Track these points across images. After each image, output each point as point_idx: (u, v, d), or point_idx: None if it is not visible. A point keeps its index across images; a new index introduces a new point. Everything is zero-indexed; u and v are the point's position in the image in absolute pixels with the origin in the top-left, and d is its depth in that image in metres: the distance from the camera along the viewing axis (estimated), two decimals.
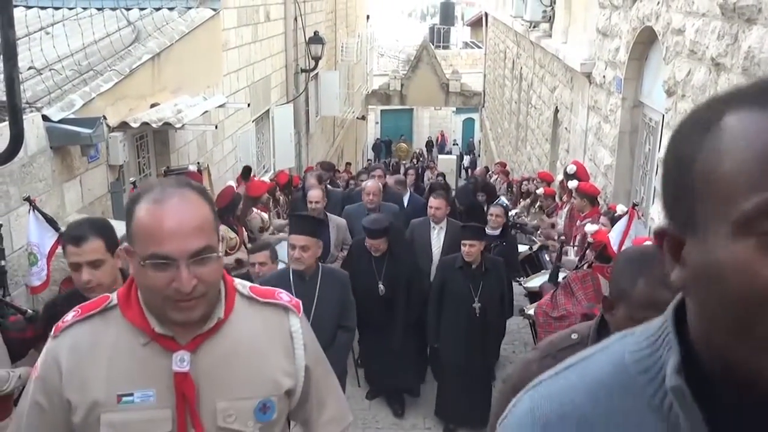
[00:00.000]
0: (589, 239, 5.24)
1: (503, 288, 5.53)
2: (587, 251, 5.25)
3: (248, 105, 10.26)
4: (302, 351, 1.75)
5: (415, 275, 5.66)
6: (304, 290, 4.07)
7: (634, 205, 5.17)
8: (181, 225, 1.50)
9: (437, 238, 6.26)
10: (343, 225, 6.32)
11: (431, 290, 5.58)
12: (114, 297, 1.68)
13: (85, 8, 8.57)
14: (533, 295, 6.60)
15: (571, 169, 7.73)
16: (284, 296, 1.80)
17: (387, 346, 5.54)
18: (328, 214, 6.16)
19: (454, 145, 36.36)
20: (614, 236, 4.92)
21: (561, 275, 6.48)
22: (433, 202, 6.29)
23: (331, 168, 11.91)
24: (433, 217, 6.25)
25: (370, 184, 6.82)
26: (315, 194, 6.50)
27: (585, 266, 4.97)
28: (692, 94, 5.27)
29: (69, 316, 1.70)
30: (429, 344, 5.75)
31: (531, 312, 5.47)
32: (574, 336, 1.85)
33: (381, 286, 5.48)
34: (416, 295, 5.58)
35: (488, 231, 6.42)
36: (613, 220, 5.59)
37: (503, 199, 10.13)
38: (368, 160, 29.07)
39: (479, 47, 33.50)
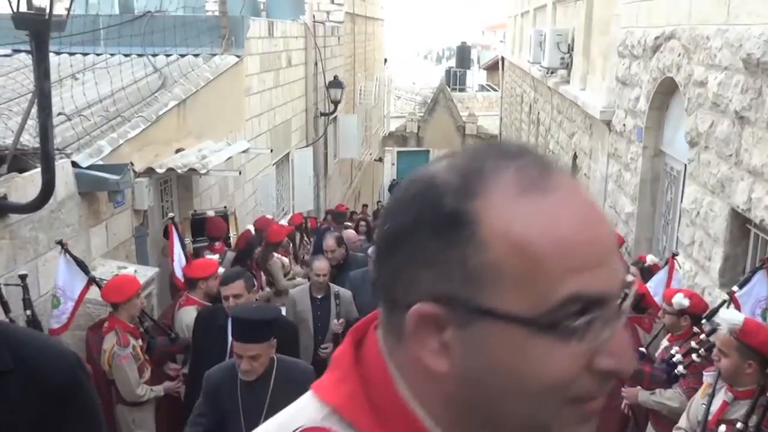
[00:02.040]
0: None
1: None
2: (622, 302, 5.09)
3: (271, 151, 10.38)
4: None
5: None
6: (253, 396, 3.41)
7: (674, 255, 5.12)
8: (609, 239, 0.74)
9: None
10: (348, 298, 5.73)
11: None
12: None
13: (112, 54, 8.80)
14: None
15: None
16: None
17: None
18: (331, 285, 5.73)
19: None
20: (654, 286, 4.89)
21: None
22: None
23: (342, 217, 11.72)
24: None
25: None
26: (321, 267, 5.67)
27: None
28: (716, 145, 5.28)
29: None
30: None
31: None
32: None
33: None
34: None
35: None
36: (643, 270, 5.56)
37: None
38: (377, 201, 29.17)
39: (495, 90, 33.79)
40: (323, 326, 5.56)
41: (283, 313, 5.58)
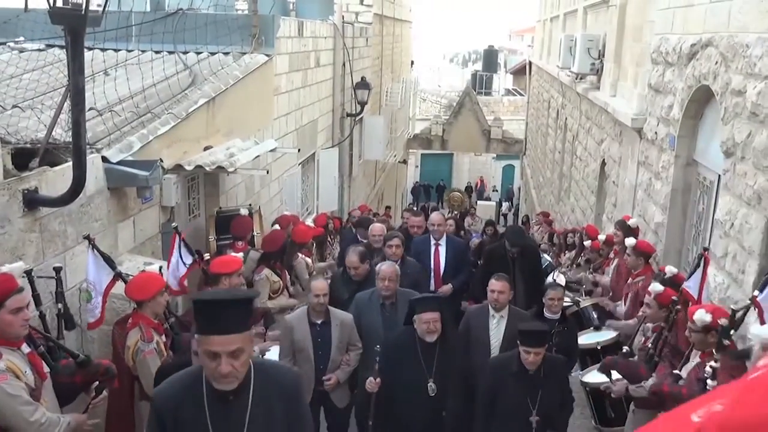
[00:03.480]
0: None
1: (564, 395, 4.69)
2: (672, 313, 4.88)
3: (298, 150, 10.39)
4: None
5: (469, 372, 4.80)
6: (228, 414, 2.65)
7: (705, 249, 5.00)
8: None
9: (497, 329, 5.29)
10: (349, 322, 5.23)
11: (480, 398, 4.64)
12: None
13: (144, 51, 8.85)
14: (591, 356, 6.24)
15: (633, 222, 7.64)
16: None
17: None
18: (331, 309, 5.19)
19: (493, 191, 36.28)
20: (692, 285, 4.80)
21: (610, 334, 6.34)
22: (494, 284, 5.28)
23: (367, 222, 11.36)
24: (495, 303, 5.25)
25: (384, 267, 5.44)
26: (320, 287, 5.13)
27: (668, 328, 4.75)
28: (753, 156, 5.16)
29: None
30: None
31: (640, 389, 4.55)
32: None
33: (432, 385, 4.55)
34: (471, 398, 4.70)
35: (546, 315, 5.78)
36: (663, 282, 5.45)
37: (546, 257, 9.96)
38: (409, 203, 29.12)
39: (521, 95, 33.63)
40: (324, 355, 5.10)
41: (275, 350, 5.27)
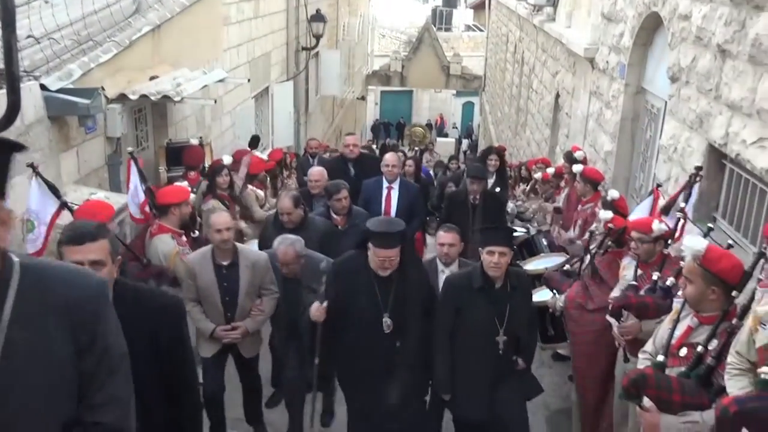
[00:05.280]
0: (609, 225, 4.99)
1: (531, 313, 4.30)
2: (606, 238, 4.98)
3: (248, 80, 10.20)
4: None
5: (430, 302, 4.25)
6: None
7: (658, 185, 5.06)
8: None
9: None
10: (264, 263, 4.62)
11: (437, 321, 4.17)
12: None
13: None
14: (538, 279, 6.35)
15: (580, 155, 7.70)
16: None
17: (385, 404, 4.11)
18: (240, 248, 4.64)
19: (453, 128, 36.29)
20: (637, 218, 4.83)
21: (559, 259, 6.48)
22: (443, 236, 4.79)
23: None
24: (445, 257, 4.77)
25: (281, 250, 4.61)
26: (220, 220, 4.54)
27: (602, 252, 4.84)
28: (696, 80, 5.23)
29: None
30: (438, 396, 4.32)
31: (560, 304, 4.80)
32: None
33: (387, 320, 4.06)
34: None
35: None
36: (605, 205, 5.51)
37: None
38: (368, 140, 28.96)
39: (481, 30, 33.31)
40: (232, 301, 4.54)
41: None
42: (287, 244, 4.62)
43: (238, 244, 4.72)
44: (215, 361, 4.70)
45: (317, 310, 4.19)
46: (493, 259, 3.89)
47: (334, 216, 5.77)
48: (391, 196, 6.71)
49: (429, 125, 35.02)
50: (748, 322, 2.65)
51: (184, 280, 4.66)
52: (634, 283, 4.20)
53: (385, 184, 6.69)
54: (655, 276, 3.99)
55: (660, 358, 3.03)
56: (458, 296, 4.07)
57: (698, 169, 4.75)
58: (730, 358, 2.71)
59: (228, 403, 4.87)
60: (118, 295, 2.48)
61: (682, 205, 4.36)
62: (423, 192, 7.72)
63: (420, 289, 4.17)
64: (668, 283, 3.89)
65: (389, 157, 6.81)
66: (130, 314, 2.33)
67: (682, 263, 3.75)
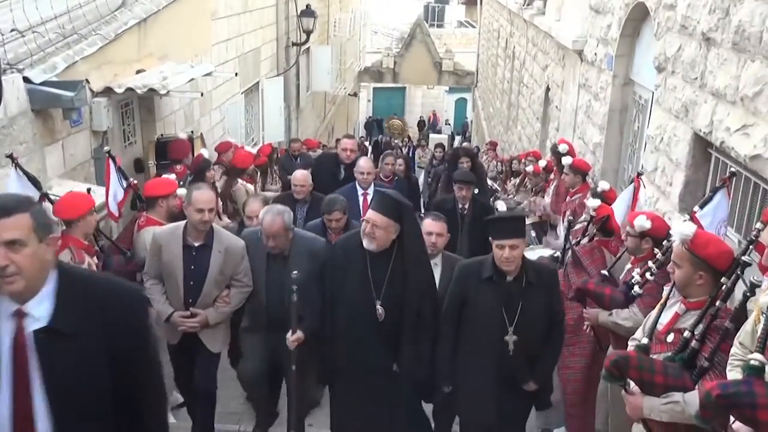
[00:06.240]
0: (591, 213, 5.00)
1: (553, 315, 3.83)
2: (590, 225, 4.95)
3: (236, 74, 10.14)
4: None
5: (428, 290, 3.93)
6: None
7: (639, 174, 4.97)
8: None
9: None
10: (239, 250, 4.25)
11: (443, 312, 3.90)
12: None
13: None
14: None
15: (564, 148, 7.69)
16: None
17: (374, 397, 3.88)
18: (217, 230, 4.27)
19: (446, 124, 36.26)
20: (618, 207, 4.79)
21: (547, 252, 6.47)
22: (431, 225, 4.45)
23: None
24: (432, 247, 4.38)
25: (266, 220, 4.19)
26: (203, 198, 4.16)
27: (587, 240, 4.85)
28: (682, 70, 5.23)
29: None
30: (438, 389, 3.98)
31: None
32: None
33: (380, 308, 3.78)
34: (429, 323, 3.89)
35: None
36: (595, 195, 5.52)
37: (494, 185, 10.09)
38: (361, 137, 28.92)
39: (473, 26, 33.29)
40: (197, 286, 4.18)
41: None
42: (274, 213, 4.16)
43: (216, 226, 4.33)
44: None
45: (296, 340, 3.97)
46: (504, 253, 3.58)
47: (330, 231, 5.10)
48: (368, 202, 6.21)
49: (422, 122, 34.99)
50: (753, 313, 2.64)
51: (147, 255, 4.35)
52: (606, 273, 4.22)
53: (360, 191, 6.29)
54: (635, 272, 3.96)
55: (644, 341, 3.02)
56: (466, 285, 3.78)
57: (732, 174, 4.15)
58: (733, 349, 2.70)
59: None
60: (62, 288, 2.10)
61: (695, 209, 4.05)
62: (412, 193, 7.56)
63: (418, 266, 3.87)
64: (633, 280, 3.87)
65: (363, 163, 6.38)
66: (79, 311, 2.08)
67: (659, 256, 3.78)
